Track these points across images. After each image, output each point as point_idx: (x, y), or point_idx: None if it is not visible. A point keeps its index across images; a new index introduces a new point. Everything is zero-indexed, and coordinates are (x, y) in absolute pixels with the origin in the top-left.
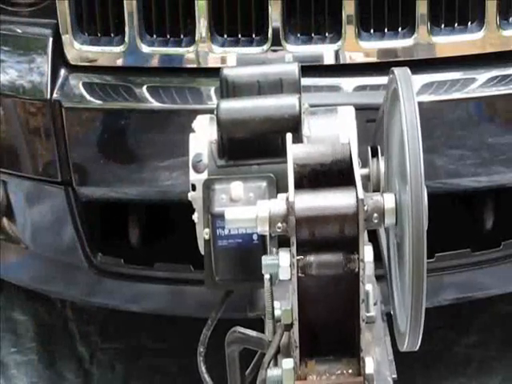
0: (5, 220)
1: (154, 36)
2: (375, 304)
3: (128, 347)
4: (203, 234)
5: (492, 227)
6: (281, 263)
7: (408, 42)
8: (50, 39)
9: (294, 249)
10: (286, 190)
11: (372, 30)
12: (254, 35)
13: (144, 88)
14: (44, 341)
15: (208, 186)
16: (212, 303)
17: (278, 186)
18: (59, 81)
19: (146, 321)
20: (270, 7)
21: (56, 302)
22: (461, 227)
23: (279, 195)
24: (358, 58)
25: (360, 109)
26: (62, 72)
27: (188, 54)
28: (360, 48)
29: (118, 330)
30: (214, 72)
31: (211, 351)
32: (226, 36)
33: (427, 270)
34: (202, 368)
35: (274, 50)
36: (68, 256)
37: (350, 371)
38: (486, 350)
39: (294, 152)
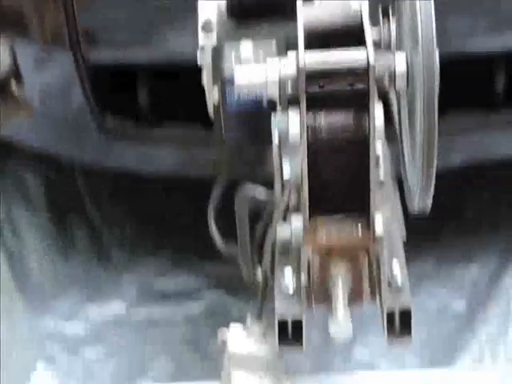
0: (13, 84)
1: None
2: (386, 165)
3: (138, 208)
4: (212, 99)
5: (505, 90)
6: (290, 124)
7: None
8: None
9: (303, 109)
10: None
11: None
12: None
13: None
14: (55, 202)
15: (217, 48)
16: (223, 166)
17: (288, 48)
18: None
19: (155, 182)
20: None
21: (66, 165)
22: (473, 90)
23: (289, 53)
24: None
25: None
26: None
27: None
28: None
29: (128, 192)
30: None
31: (221, 210)
32: None
33: (438, 132)
34: (212, 226)
35: None
36: (77, 119)
37: (360, 229)
38: (497, 212)
39: (305, 12)
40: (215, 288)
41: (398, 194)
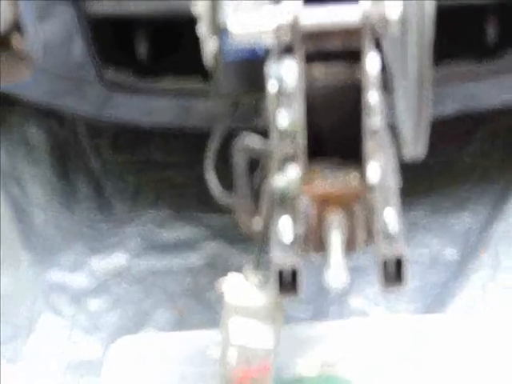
0: (15, 38)
1: None
2: (380, 114)
3: (138, 160)
4: (209, 48)
5: (497, 39)
6: (286, 72)
7: None
8: None
9: (299, 58)
10: None
11: None
12: None
13: None
14: (57, 154)
15: None
16: (220, 116)
17: None
18: None
19: (155, 134)
20: None
21: (68, 117)
22: (465, 39)
23: (284, 2)
24: None
25: None
26: None
27: None
28: None
29: (129, 144)
30: None
31: (219, 163)
32: None
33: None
34: (211, 177)
35: None
36: (78, 71)
37: (356, 178)
38: (488, 160)
39: None
40: (215, 239)
41: (393, 142)
